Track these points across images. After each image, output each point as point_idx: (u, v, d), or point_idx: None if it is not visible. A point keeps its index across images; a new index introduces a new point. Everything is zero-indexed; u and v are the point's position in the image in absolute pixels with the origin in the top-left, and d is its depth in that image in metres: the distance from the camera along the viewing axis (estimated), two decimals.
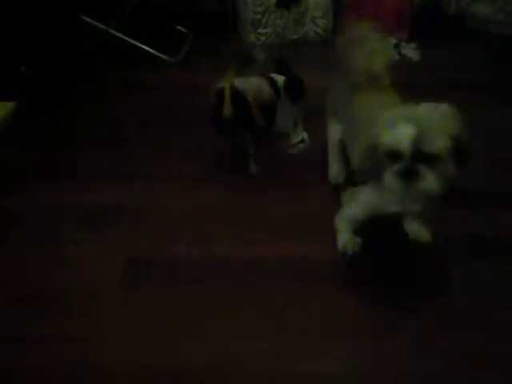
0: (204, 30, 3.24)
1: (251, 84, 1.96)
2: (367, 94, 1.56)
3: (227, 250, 1.64)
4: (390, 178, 1.26)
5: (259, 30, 3.22)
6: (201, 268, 1.58)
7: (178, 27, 3.29)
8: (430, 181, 1.23)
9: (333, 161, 1.90)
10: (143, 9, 3.05)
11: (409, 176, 1.24)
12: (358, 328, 1.38)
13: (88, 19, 2.91)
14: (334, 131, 1.81)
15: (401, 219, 1.64)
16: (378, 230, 1.61)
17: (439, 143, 1.21)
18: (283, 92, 2.07)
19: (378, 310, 1.43)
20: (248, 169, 2.00)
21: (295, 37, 3.29)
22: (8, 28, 2.59)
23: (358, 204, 1.52)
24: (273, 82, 2.06)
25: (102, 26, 2.93)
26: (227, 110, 1.82)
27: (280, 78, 2.09)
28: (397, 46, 3.08)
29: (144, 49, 2.95)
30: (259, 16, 3.18)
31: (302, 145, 2.15)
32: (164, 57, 2.94)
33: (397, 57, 3.04)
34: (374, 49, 1.61)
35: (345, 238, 1.60)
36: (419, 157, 1.22)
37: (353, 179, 1.55)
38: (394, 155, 1.24)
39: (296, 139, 2.15)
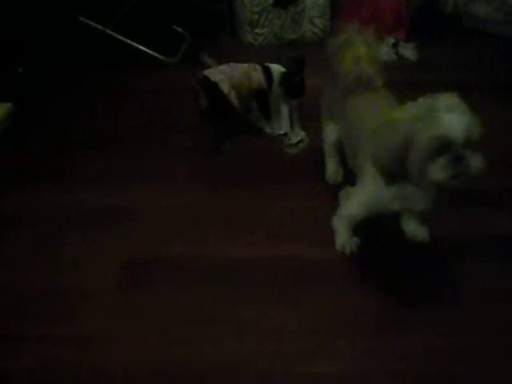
0: (201, 30, 3.24)
1: (237, 72, 2.04)
2: (359, 97, 1.57)
3: (224, 250, 1.64)
4: (438, 170, 1.19)
5: (257, 30, 3.22)
6: (198, 269, 1.58)
7: (176, 28, 3.28)
8: (480, 163, 1.20)
9: (329, 161, 1.90)
10: (141, 9, 3.04)
11: (460, 163, 1.19)
12: (355, 328, 1.39)
13: (85, 20, 2.91)
14: (330, 131, 1.81)
15: (399, 218, 1.64)
16: (377, 229, 1.60)
17: (478, 129, 1.19)
18: (277, 84, 2.10)
19: (376, 311, 1.43)
20: (217, 149, 2.14)
21: (293, 37, 3.28)
22: (5, 29, 2.59)
23: (356, 203, 1.51)
24: (267, 71, 2.09)
25: (99, 27, 2.92)
26: (201, 100, 2.00)
27: (277, 69, 2.11)
28: (394, 45, 3.08)
29: (142, 50, 2.95)
30: (257, 16, 3.18)
31: (301, 144, 2.15)
32: (162, 57, 2.94)
33: (394, 57, 3.04)
34: (361, 53, 1.59)
35: (343, 238, 1.61)
36: (467, 144, 1.18)
37: (350, 178, 1.55)
38: (444, 146, 1.19)
39: (295, 139, 2.15)
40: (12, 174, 2.05)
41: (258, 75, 2.08)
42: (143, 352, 1.32)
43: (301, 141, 2.16)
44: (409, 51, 3.08)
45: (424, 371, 1.27)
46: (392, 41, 3.09)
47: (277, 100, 2.16)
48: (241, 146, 2.18)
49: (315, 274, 1.55)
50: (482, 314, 1.41)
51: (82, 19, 2.90)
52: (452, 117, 1.18)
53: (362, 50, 1.60)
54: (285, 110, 2.18)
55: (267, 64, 2.14)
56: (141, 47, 2.94)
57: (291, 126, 2.21)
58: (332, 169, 1.90)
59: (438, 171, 1.19)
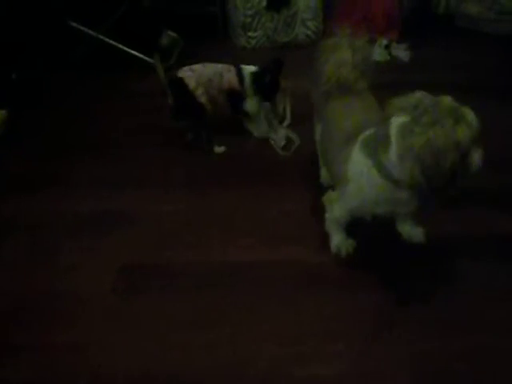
0: (194, 33, 3.23)
1: (209, 71, 2.06)
2: (339, 100, 1.58)
3: (221, 254, 1.64)
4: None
5: (249, 33, 3.22)
6: (195, 274, 1.57)
7: (169, 32, 3.28)
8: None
9: (322, 162, 1.90)
10: (133, 14, 3.04)
11: None
12: (353, 331, 1.38)
13: (77, 25, 2.90)
14: (317, 131, 1.82)
15: (393, 220, 1.64)
16: (373, 231, 1.60)
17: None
18: (249, 84, 2.10)
19: (373, 313, 1.43)
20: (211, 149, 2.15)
21: (286, 39, 3.29)
22: None
23: (339, 207, 1.51)
24: (239, 71, 2.09)
25: (91, 32, 2.92)
26: (169, 97, 2.03)
27: (249, 69, 2.11)
28: (387, 46, 3.09)
29: (134, 54, 2.94)
30: (249, 19, 3.18)
31: (292, 146, 2.15)
32: (153, 61, 2.93)
33: (387, 58, 3.05)
34: (344, 58, 1.60)
35: (337, 240, 1.60)
36: None
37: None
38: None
39: (280, 143, 2.16)
40: (9, 180, 2.04)
41: (230, 76, 2.09)
42: (141, 357, 1.32)
43: (289, 143, 2.16)
44: (402, 52, 3.09)
45: (422, 372, 1.27)
46: (385, 42, 3.10)
47: (256, 102, 2.16)
48: (234, 148, 2.18)
49: (312, 277, 1.55)
50: (481, 315, 1.41)
51: (74, 24, 2.89)
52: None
53: (346, 55, 1.60)
54: (261, 112, 2.19)
55: (242, 65, 2.14)
56: (133, 52, 2.94)
57: (272, 128, 2.21)
58: (326, 171, 1.89)
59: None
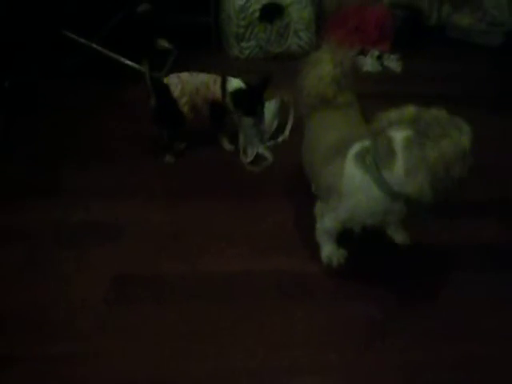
0: (188, 44, 3.24)
1: (196, 80, 2.05)
2: (322, 112, 1.61)
3: (212, 265, 1.64)
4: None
5: (242, 44, 3.23)
6: (186, 284, 1.57)
7: (162, 41, 3.28)
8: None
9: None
10: (126, 23, 3.04)
11: None
12: (345, 341, 1.38)
13: (70, 34, 2.90)
14: None
15: (383, 229, 1.64)
16: (364, 241, 1.59)
17: None
18: (229, 98, 2.08)
19: (365, 323, 1.43)
20: (164, 158, 2.17)
21: (278, 50, 3.30)
22: None
23: (331, 217, 1.51)
24: (223, 84, 2.08)
25: (84, 41, 2.92)
26: (151, 100, 2.03)
27: (233, 83, 2.08)
28: (379, 57, 3.11)
29: (128, 64, 2.94)
30: (243, 30, 3.19)
31: (264, 163, 2.15)
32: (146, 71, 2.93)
33: (379, 68, 3.06)
34: (324, 72, 1.60)
35: (328, 251, 1.60)
36: None
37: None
38: None
39: (246, 158, 2.15)
40: None
41: (214, 87, 2.07)
42: (131, 367, 1.31)
43: (261, 159, 2.15)
44: (394, 63, 3.11)
45: (415, 381, 1.27)
46: (377, 53, 3.12)
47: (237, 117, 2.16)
48: (225, 159, 2.19)
49: (303, 287, 1.55)
50: (473, 324, 1.42)
51: (67, 33, 2.89)
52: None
53: (325, 70, 1.61)
54: (240, 125, 2.18)
55: (229, 77, 2.10)
56: (127, 62, 2.93)
57: (246, 143, 2.19)
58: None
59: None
